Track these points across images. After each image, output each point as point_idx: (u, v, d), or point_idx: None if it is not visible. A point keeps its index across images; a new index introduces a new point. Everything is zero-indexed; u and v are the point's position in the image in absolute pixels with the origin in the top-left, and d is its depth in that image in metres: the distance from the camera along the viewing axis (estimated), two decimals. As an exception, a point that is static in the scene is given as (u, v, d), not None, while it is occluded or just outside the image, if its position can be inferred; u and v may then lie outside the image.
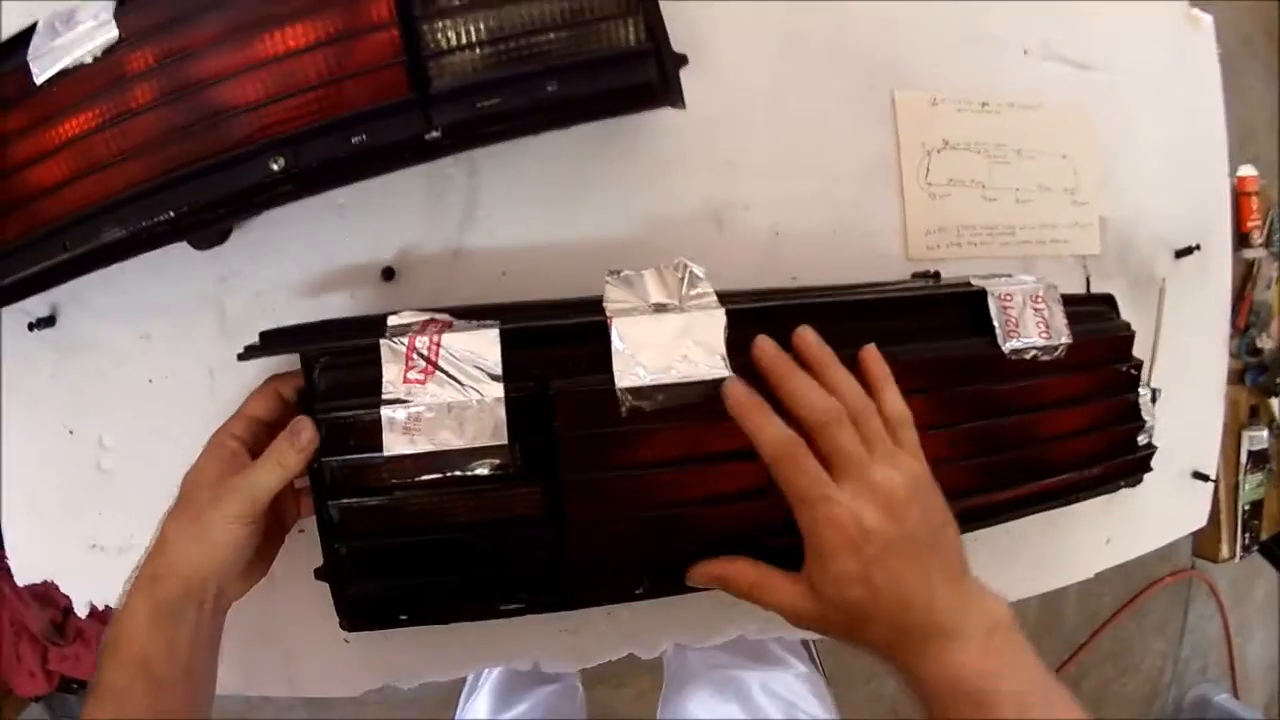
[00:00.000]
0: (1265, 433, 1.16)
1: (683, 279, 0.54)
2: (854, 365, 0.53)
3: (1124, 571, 1.86)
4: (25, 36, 0.56)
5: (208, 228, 0.57)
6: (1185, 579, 1.87)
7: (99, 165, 0.54)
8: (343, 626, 0.56)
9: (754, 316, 0.54)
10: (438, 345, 0.51)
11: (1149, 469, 0.71)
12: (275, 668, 0.66)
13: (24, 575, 0.68)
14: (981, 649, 0.45)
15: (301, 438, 0.50)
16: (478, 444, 0.51)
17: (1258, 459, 1.16)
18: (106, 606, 0.68)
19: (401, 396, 0.51)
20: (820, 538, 0.46)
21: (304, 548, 0.57)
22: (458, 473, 0.52)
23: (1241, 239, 1.13)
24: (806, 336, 0.52)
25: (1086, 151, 0.72)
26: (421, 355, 0.51)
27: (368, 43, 0.51)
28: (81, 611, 0.68)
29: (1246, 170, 1.12)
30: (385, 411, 0.51)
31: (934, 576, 0.46)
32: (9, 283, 0.56)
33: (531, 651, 0.67)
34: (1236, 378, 1.16)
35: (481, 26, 0.51)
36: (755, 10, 0.64)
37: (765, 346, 0.51)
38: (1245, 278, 1.15)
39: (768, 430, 0.48)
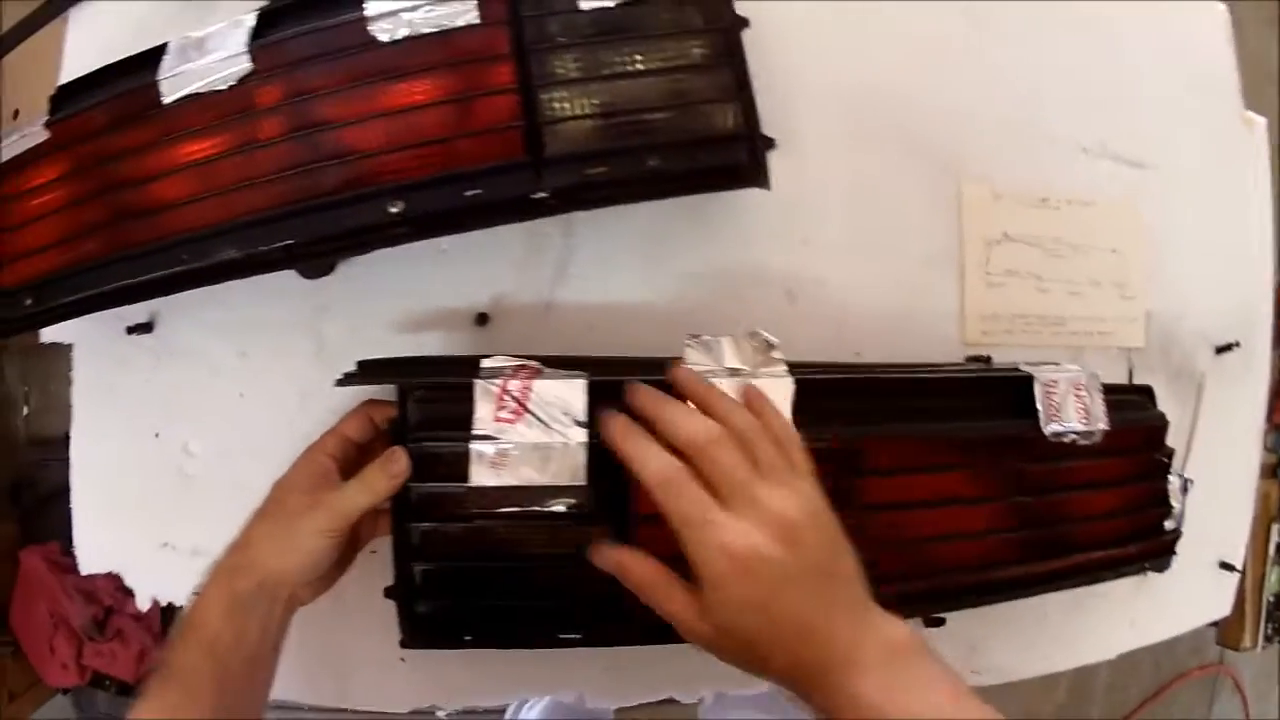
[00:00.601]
0: None
1: (757, 348, 0.58)
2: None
3: (1151, 664, 1.86)
4: (153, 55, 0.60)
5: (319, 260, 0.61)
6: (1212, 673, 1.87)
7: (222, 188, 0.58)
8: (406, 644, 0.58)
9: (820, 387, 0.58)
10: (528, 389, 0.54)
11: (1174, 554, 0.73)
12: (329, 679, 0.69)
13: (90, 565, 0.72)
14: (881, 678, 0.43)
15: (395, 466, 0.54)
16: (557, 483, 0.54)
17: None
18: (170, 604, 0.71)
19: (491, 433, 0.54)
20: (709, 565, 0.44)
21: (371, 567, 0.60)
22: (536, 508, 0.55)
23: (1280, 338, 1.15)
24: (679, 374, 0.52)
25: (1136, 247, 0.76)
26: (513, 397, 0.54)
27: (489, 104, 0.55)
28: (144, 605, 0.71)
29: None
30: (475, 446, 0.54)
31: (833, 606, 0.44)
32: (129, 285, 0.60)
33: (576, 684, 0.69)
34: (1269, 472, 1.18)
35: (594, 100, 0.55)
36: (838, 101, 0.68)
37: (636, 387, 0.50)
38: (1282, 375, 1.17)
39: (649, 458, 0.47)
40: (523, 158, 0.54)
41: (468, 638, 0.58)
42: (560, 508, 0.55)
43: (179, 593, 0.69)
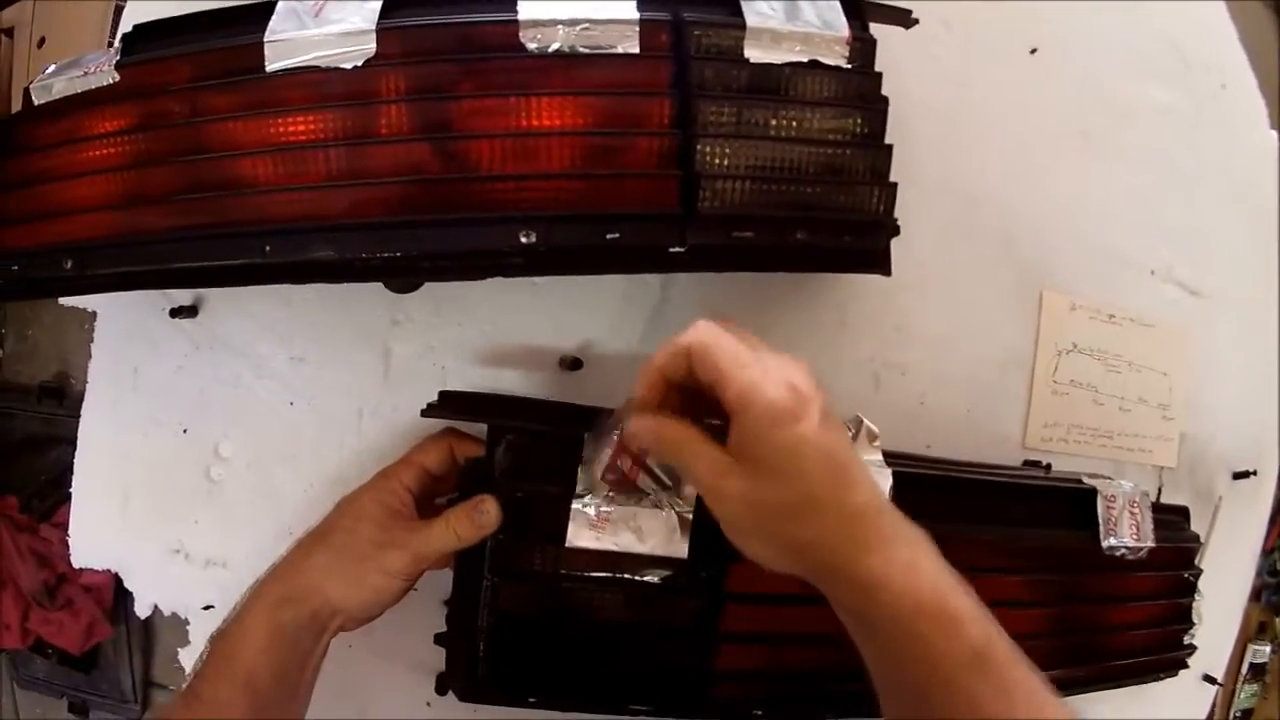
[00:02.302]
0: (1268, 648, 1.24)
1: (856, 434, 0.56)
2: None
3: None
4: (257, 10, 0.52)
5: (426, 276, 0.56)
6: None
7: (326, 180, 0.51)
8: (459, 695, 0.54)
9: (913, 481, 0.56)
10: (645, 451, 0.50)
11: (1186, 666, 0.76)
12: (348, 713, 0.63)
13: (84, 559, 0.64)
14: (936, 564, 0.42)
15: (486, 516, 0.50)
16: (657, 553, 0.51)
17: (1257, 671, 1.24)
18: (174, 614, 0.63)
19: (595, 493, 0.50)
20: (758, 397, 0.40)
21: (405, 603, 0.54)
22: (629, 575, 0.51)
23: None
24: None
25: (1183, 371, 0.78)
26: (630, 456, 0.50)
27: (646, 144, 0.51)
28: (143, 613, 0.63)
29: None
30: (576, 505, 0.50)
31: (860, 466, 0.43)
32: (193, 269, 0.53)
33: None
34: (1254, 595, 1.23)
35: (752, 159, 0.52)
36: (944, 195, 0.67)
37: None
38: (1280, 504, 1.22)
39: (677, 342, 0.44)
40: (676, 209, 0.50)
41: (532, 699, 0.53)
42: (654, 578, 0.52)
43: (186, 604, 0.62)
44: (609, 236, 0.51)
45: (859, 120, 0.54)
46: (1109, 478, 0.68)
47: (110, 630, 1.25)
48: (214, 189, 0.53)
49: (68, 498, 0.64)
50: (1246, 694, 1.24)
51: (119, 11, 0.61)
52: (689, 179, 0.51)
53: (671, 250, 0.52)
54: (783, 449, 0.40)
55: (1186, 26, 0.77)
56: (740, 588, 0.54)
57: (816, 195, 0.53)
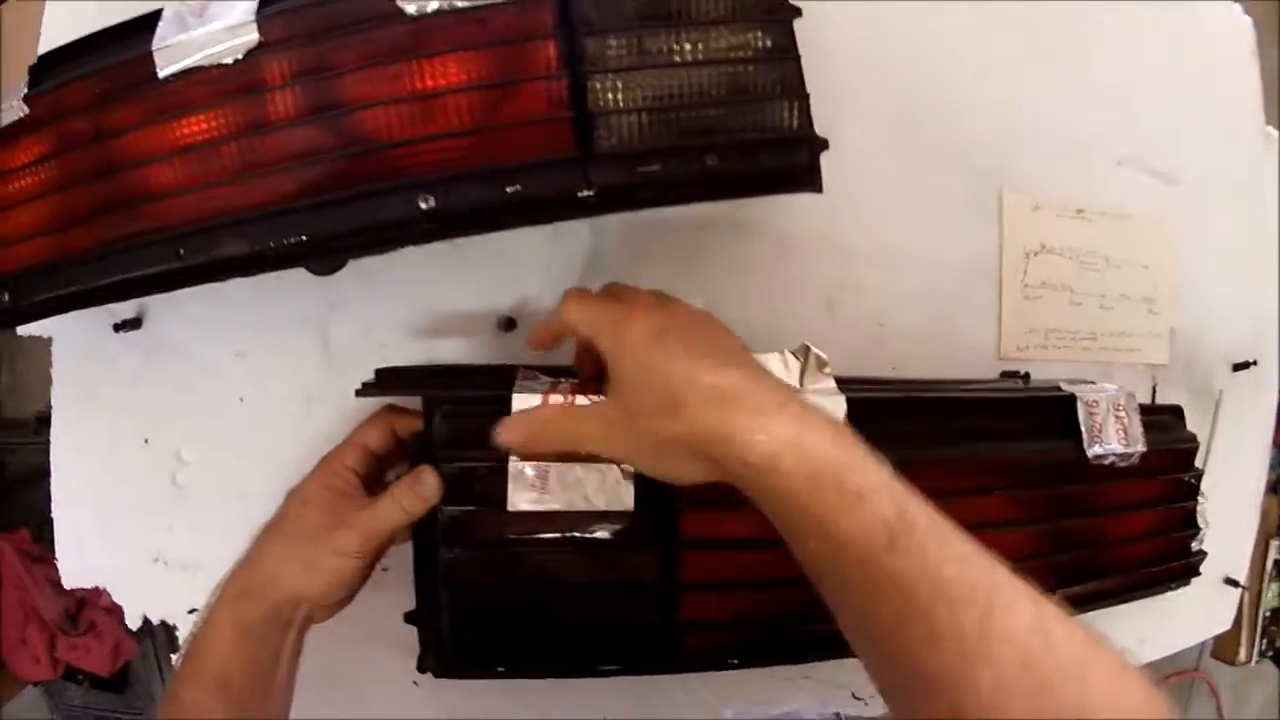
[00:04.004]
0: None
1: (804, 364, 0.53)
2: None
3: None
4: (146, 22, 0.51)
5: (339, 256, 0.54)
6: (1188, 679, 1.88)
7: (228, 175, 0.50)
8: (433, 673, 0.53)
9: (866, 406, 0.53)
10: (573, 404, 0.48)
11: (1198, 574, 0.71)
12: (338, 702, 0.63)
13: (74, 579, 0.64)
14: (825, 433, 0.40)
15: (426, 487, 0.49)
16: (602, 508, 0.49)
17: None
18: (162, 621, 0.63)
19: (531, 454, 0.49)
20: (603, 332, 0.45)
21: (384, 580, 0.54)
22: (578, 534, 0.50)
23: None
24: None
25: (1166, 263, 0.73)
26: (556, 413, 0.48)
27: (534, 90, 0.48)
28: (133, 624, 0.64)
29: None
30: (514, 466, 0.48)
31: (726, 349, 0.45)
32: (118, 282, 0.52)
33: (599, 710, 0.64)
34: (1270, 488, 1.16)
35: (649, 90, 0.49)
36: (884, 106, 0.63)
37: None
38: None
39: (566, 303, 0.48)
40: (572, 152, 0.48)
41: (500, 669, 0.52)
42: (604, 534, 0.50)
43: (172, 610, 0.62)
44: (509, 190, 0.48)
45: (760, 34, 0.51)
46: (1091, 382, 0.64)
47: (136, 648, 1.27)
48: (125, 200, 0.52)
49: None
50: (1273, 593, 1.17)
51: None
52: (583, 119, 0.48)
53: (581, 195, 0.49)
54: (629, 361, 0.43)
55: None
56: (695, 534, 0.51)
57: (723, 118, 0.50)
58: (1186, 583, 0.71)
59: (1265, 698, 1.82)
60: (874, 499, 0.37)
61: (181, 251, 0.51)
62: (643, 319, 0.44)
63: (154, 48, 0.50)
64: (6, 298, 0.53)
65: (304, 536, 0.50)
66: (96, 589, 0.65)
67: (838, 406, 0.52)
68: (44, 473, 1.29)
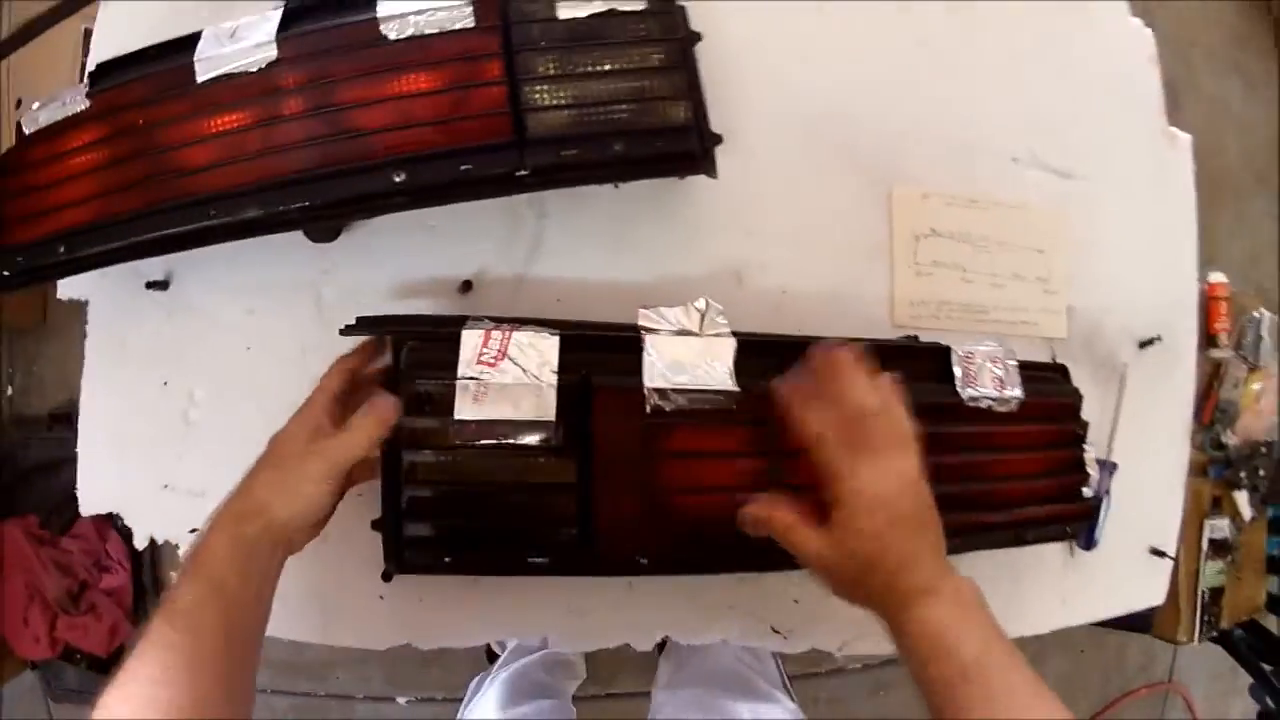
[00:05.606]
0: (1226, 523, 1.32)
1: (704, 314, 0.72)
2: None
3: (1100, 682, 1.97)
4: (187, 42, 0.75)
5: (330, 221, 0.76)
6: (1161, 692, 1.99)
7: (248, 155, 0.73)
8: (390, 569, 0.71)
9: (757, 345, 0.72)
10: (509, 338, 0.68)
11: (1093, 521, 0.88)
12: (313, 617, 0.82)
13: (92, 505, 0.84)
14: (952, 608, 0.57)
15: (380, 410, 0.66)
16: (530, 418, 0.68)
17: (1218, 547, 1.32)
18: (167, 541, 0.83)
19: (475, 374, 0.68)
20: (849, 501, 0.59)
21: (355, 510, 0.71)
22: (510, 440, 0.68)
23: (1210, 340, 1.32)
24: (839, 352, 0.65)
25: (1060, 248, 0.92)
26: (495, 343, 0.68)
27: (481, 94, 0.71)
28: (140, 544, 0.83)
29: (1216, 276, 1.32)
30: (460, 382, 0.68)
31: (926, 547, 0.60)
32: (159, 237, 0.74)
33: (542, 627, 0.82)
34: (1200, 470, 1.33)
35: (569, 94, 0.71)
36: (785, 111, 0.85)
37: (825, 348, 0.65)
38: (1213, 376, 1.33)
39: (809, 419, 0.62)
40: (509, 138, 0.70)
41: (447, 559, 0.71)
42: (531, 440, 0.69)
43: (176, 532, 0.82)
44: (463, 168, 0.70)
45: (661, 52, 0.73)
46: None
47: (132, 630, 1.47)
48: (168, 174, 0.74)
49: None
50: (1211, 571, 1.31)
51: (84, 68, 0.84)
52: (518, 115, 0.70)
53: (518, 175, 0.71)
54: (865, 528, 0.59)
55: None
56: (608, 446, 0.70)
57: (628, 115, 0.71)
58: (1082, 525, 0.87)
59: (1242, 710, 1.92)
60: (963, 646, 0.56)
61: (212, 212, 0.73)
62: (879, 482, 0.59)
63: (195, 59, 0.74)
64: (62, 250, 0.75)
65: (285, 465, 0.64)
66: (99, 567, 0.84)
67: (729, 344, 0.71)
68: (56, 465, 1.53)
